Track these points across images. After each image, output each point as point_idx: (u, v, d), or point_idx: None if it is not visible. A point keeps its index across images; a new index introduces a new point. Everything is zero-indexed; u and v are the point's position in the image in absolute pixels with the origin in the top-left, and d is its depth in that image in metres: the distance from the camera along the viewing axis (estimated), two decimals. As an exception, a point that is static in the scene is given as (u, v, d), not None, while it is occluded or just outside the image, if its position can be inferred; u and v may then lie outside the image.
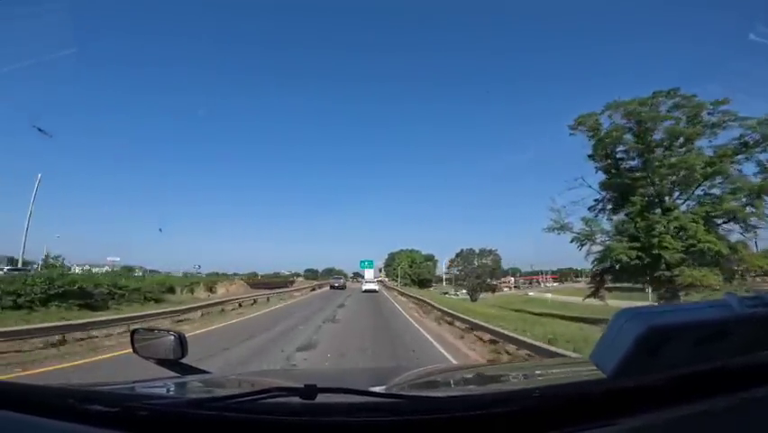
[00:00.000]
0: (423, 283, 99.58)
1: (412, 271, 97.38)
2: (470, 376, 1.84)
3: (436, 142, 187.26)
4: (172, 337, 1.66)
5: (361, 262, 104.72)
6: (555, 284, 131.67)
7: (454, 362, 8.41)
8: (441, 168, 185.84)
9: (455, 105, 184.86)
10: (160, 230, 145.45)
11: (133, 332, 1.77)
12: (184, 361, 1.67)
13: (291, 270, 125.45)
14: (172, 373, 1.65)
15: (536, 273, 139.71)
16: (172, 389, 1.39)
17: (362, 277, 72.56)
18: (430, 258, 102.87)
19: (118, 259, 61.92)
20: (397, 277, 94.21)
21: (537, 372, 1.82)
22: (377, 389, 1.14)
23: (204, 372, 1.75)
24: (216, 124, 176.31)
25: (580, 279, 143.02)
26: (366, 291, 39.51)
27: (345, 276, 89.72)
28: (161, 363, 1.67)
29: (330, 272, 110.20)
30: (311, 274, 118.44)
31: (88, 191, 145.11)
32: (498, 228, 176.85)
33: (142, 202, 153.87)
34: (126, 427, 0.85)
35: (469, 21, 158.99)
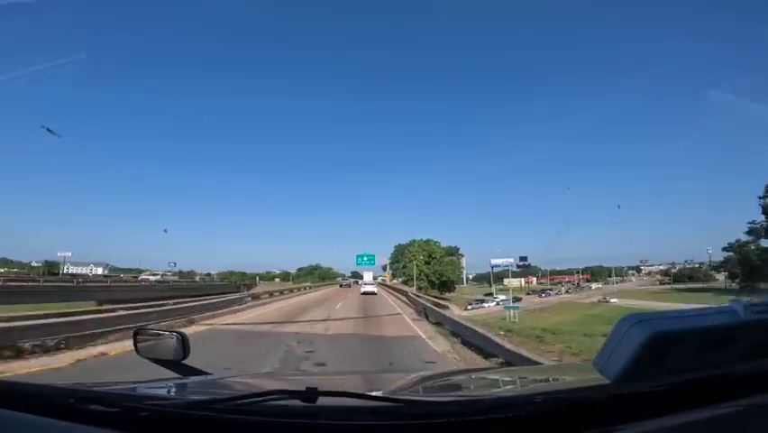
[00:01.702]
0: (445, 286, 71.58)
1: (431, 270, 68.77)
2: (472, 381, 1.84)
3: (442, 141, 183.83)
4: (174, 338, 1.66)
5: (358, 257, 76.21)
6: (598, 285, 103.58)
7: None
8: (445, 166, 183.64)
9: (455, 101, 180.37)
10: (165, 231, 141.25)
11: (136, 332, 1.77)
12: (186, 362, 1.66)
13: (283, 268, 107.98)
14: (174, 374, 1.65)
15: (560, 273, 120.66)
16: (174, 390, 1.37)
17: (362, 278, 62.10)
18: (453, 251, 74.13)
19: (69, 254, 59.73)
20: (411, 278, 66.08)
21: (540, 377, 1.85)
22: (378, 393, 1.11)
23: (206, 373, 1.74)
24: (202, 120, 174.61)
25: (611, 277, 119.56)
26: (365, 294, 36.20)
27: (343, 276, 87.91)
28: (163, 363, 1.67)
29: (315, 270, 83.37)
30: (301, 273, 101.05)
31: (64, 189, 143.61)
32: (503, 226, 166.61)
33: (122, 199, 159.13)
34: (127, 427, 0.84)
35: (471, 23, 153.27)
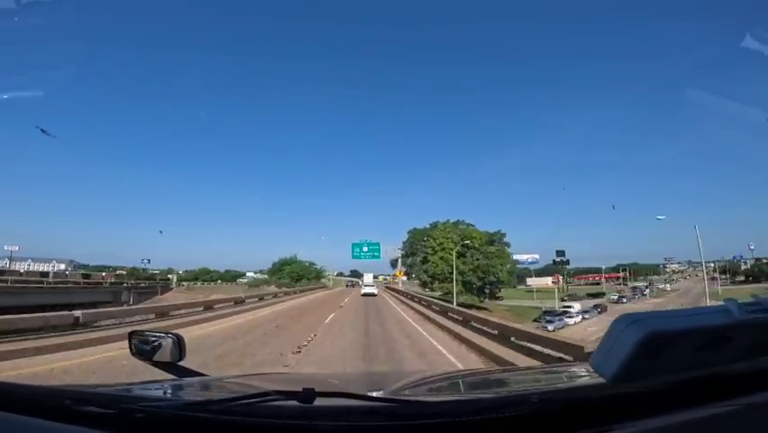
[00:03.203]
0: (482, 290, 47.53)
1: (468, 265, 44.46)
2: (469, 381, 1.84)
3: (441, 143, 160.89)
4: (170, 340, 1.65)
5: (355, 246, 51.55)
6: (662, 285, 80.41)
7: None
8: (444, 170, 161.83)
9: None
10: (161, 232, 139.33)
11: (131, 334, 1.78)
12: (182, 363, 1.65)
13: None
14: (169, 376, 1.63)
15: (587, 272, 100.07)
16: (169, 391, 1.35)
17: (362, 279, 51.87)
18: (495, 237, 49.81)
19: (17, 248, 53.31)
20: (436, 278, 41.98)
21: (536, 376, 1.88)
22: (375, 393, 1.13)
23: (202, 374, 1.75)
24: (192, 118, 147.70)
25: (653, 276, 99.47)
26: (365, 295, 34.63)
27: (341, 274, 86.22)
28: (159, 365, 1.66)
29: (287, 265, 56.26)
30: (268, 272, 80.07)
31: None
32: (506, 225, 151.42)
33: (92, 195, 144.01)
34: (123, 429, 0.84)
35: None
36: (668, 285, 75.97)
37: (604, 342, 0.68)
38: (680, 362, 0.69)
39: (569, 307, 43.83)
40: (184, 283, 57.10)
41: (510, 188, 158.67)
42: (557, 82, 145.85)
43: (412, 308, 21.12)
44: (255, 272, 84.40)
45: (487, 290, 46.75)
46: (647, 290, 67.36)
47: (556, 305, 48.81)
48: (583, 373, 1.32)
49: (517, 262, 67.97)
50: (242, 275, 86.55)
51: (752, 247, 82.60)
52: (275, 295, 24.96)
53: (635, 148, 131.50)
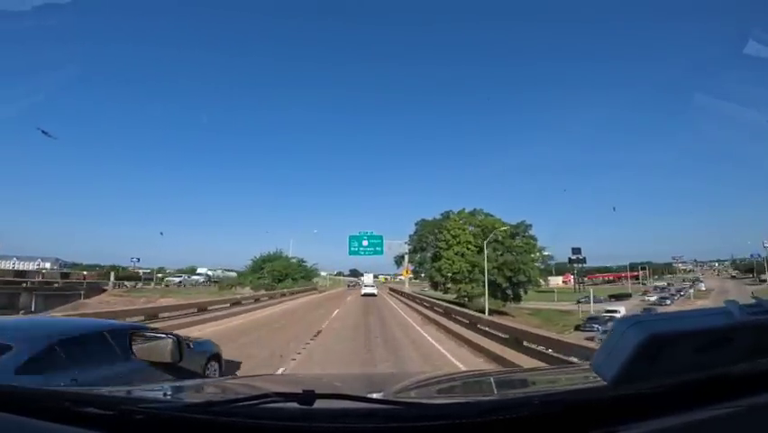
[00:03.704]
0: (502, 291, 39.88)
1: (493, 262, 36.52)
2: (470, 383, 1.84)
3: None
4: (170, 341, 1.64)
5: (352, 239, 42.70)
6: (694, 284, 73.33)
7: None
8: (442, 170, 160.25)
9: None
10: (161, 233, 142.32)
11: (131, 334, 1.77)
12: (181, 364, 1.66)
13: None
14: (169, 377, 1.63)
15: (596, 271, 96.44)
16: (169, 392, 1.35)
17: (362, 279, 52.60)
18: (520, 229, 42.05)
19: None
20: (451, 277, 34.46)
21: (538, 378, 1.87)
22: (376, 395, 1.13)
23: (201, 376, 1.62)
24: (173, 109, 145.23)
25: (668, 275, 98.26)
26: (366, 295, 34.84)
27: (340, 274, 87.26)
28: (159, 366, 1.66)
29: (271, 260, 43.64)
30: (247, 270, 67.56)
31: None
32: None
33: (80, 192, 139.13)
34: (123, 430, 0.84)
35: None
36: (702, 285, 68.69)
37: (605, 344, 0.68)
38: (681, 363, 0.69)
39: (614, 311, 36.23)
40: (127, 283, 47.12)
41: (514, 187, 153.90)
42: (560, 82, 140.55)
43: (451, 332, 12.54)
44: (213, 269, 69.57)
45: (510, 292, 39.05)
46: (691, 290, 59.99)
47: (591, 308, 41.23)
48: (585, 375, 1.31)
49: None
50: (162, 273, 69.39)
51: (766, 245, 77.18)
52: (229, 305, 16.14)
53: (639, 148, 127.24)
